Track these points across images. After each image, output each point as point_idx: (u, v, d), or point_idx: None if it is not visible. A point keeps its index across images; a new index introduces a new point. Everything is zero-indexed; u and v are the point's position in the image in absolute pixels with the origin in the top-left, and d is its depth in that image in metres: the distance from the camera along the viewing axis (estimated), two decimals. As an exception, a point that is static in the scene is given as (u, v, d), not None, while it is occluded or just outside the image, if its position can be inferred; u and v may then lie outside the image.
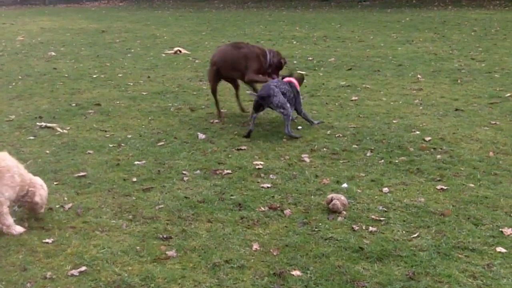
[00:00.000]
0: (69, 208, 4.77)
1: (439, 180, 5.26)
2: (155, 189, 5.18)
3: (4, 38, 16.04)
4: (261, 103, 6.58)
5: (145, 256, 3.99)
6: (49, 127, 7.13)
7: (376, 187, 5.14)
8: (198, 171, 5.59)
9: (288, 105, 6.56)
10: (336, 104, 8.07)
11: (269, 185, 5.19)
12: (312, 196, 4.96)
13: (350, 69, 10.59)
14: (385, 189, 5.08)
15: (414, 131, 6.68)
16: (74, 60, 12.36)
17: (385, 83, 9.31)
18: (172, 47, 13.59)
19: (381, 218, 4.52)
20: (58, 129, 7.05)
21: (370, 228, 4.35)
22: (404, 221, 4.47)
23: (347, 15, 21.04)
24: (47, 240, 4.20)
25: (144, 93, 8.98)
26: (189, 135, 6.75)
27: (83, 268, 3.81)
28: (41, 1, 30.01)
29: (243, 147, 6.25)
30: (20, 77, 10.35)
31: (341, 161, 5.81)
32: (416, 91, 8.67)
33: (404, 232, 4.30)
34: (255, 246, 4.11)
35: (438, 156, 5.85)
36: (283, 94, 6.57)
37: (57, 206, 4.81)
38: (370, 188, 5.12)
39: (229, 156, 5.99)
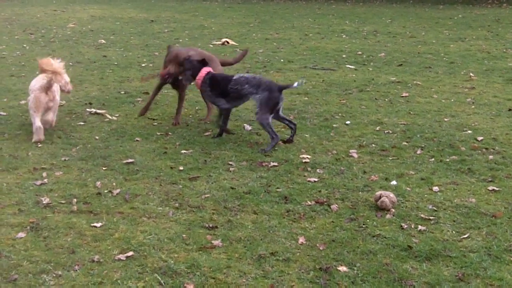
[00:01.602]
0: (117, 194, 4.82)
1: (490, 181, 5.11)
2: (201, 178, 5.19)
3: (56, 25, 16.35)
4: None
5: (191, 244, 3.99)
6: (98, 114, 7.22)
7: (426, 186, 5.04)
8: (244, 162, 5.57)
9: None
10: (386, 100, 7.94)
11: (315, 179, 5.13)
12: (360, 192, 4.89)
13: (401, 65, 10.40)
14: (435, 188, 4.97)
15: (465, 130, 6.51)
16: (123, 48, 12.51)
17: (437, 81, 9.11)
18: (220, 38, 13.61)
19: (431, 217, 4.42)
20: (107, 115, 7.14)
21: (419, 227, 4.27)
22: (454, 221, 4.36)
23: (398, 10, 20.70)
24: (95, 224, 4.26)
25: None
26: (235, 126, 6.73)
27: (130, 253, 3.84)
28: (92, -10, 30.44)
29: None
30: (70, 63, 10.52)
31: (390, 158, 5.70)
32: (468, 90, 8.46)
33: (454, 232, 4.20)
34: (301, 240, 4.07)
35: (490, 157, 5.69)
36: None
37: (105, 191, 4.87)
38: (420, 187, 5.02)
39: (275, 148, 5.95)
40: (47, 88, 6.17)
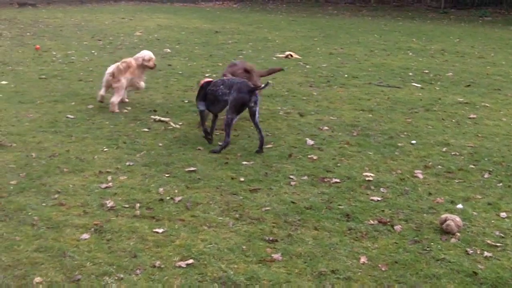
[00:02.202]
0: (179, 201, 4.86)
1: (562, 210, 4.89)
2: (262, 190, 5.17)
3: (123, 33, 16.76)
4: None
5: (250, 256, 3.97)
6: (162, 121, 7.33)
7: (493, 211, 4.87)
8: (305, 177, 5.53)
9: None
10: (453, 120, 7.73)
11: (379, 198, 5.03)
12: (425, 214, 4.76)
13: (469, 85, 10.13)
14: (503, 214, 4.80)
15: (536, 156, 6.27)
16: (187, 58, 12.69)
17: (506, 103, 8.82)
18: (283, 51, 13.62)
19: (498, 244, 4.27)
20: (171, 123, 7.24)
21: (485, 253, 4.12)
22: (522, 249, 4.19)
23: (466, 29, 20.24)
24: (157, 230, 4.30)
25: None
26: (297, 140, 6.70)
27: (190, 261, 3.86)
28: (159, -1, 31.17)
29: (353, 157, 6.11)
30: (137, 70, 10.75)
31: (456, 181, 5.54)
32: (539, 114, 8.16)
33: (521, 261, 4.03)
34: (363, 259, 3.99)
35: None
36: None
37: (167, 198, 4.92)
38: (487, 212, 4.85)
39: (338, 165, 5.88)
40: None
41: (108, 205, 4.70)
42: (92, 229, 4.30)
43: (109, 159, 5.89)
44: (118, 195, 4.96)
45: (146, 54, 8.14)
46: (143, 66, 8.11)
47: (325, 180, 5.46)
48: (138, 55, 8.19)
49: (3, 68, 10.68)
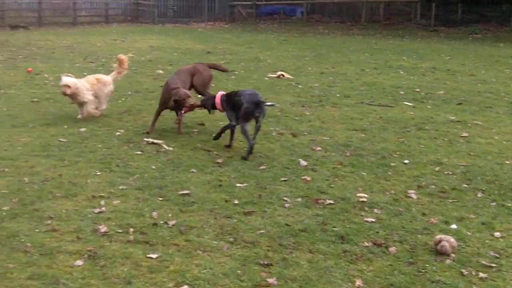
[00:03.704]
0: (173, 225, 4.84)
1: (556, 229, 4.90)
2: (256, 213, 5.16)
3: (115, 54, 16.71)
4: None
5: (245, 281, 3.95)
6: (155, 143, 7.32)
7: (487, 231, 4.88)
8: (299, 199, 5.52)
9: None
10: (445, 139, 7.77)
11: (373, 220, 5.03)
12: (419, 235, 4.76)
13: (460, 103, 10.20)
14: (497, 234, 4.81)
15: (528, 174, 6.30)
16: (180, 79, 12.69)
17: (497, 121, 8.88)
18: (275, 71, 13.68)
19: (492, 265, 4.27)
20: (164, 146, 7.23)
21: (480, 274, 4.13)
22: (517, 270, 4.20)
23: (457, 47, 20.43)
24: (151, 255, 4.27)
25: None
26: (290, 161, 6.70)
27: (185, 287, 3.83)
28: (150, 20, 31.33)
29: (346, 178, 6.12)
30: (129, 92, 10.76)
31: (450, 200, 5.55)
32: (530, 131, 8.21)
33: (517, 282, 4.03)
34: (358, 282, 3.98)
35: (556, 203, 5.47)
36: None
37: (161, 222, 4.89)
38: (481, 232, 4.86)
39: (332, 186, 5.89)
40: None
41: (102, 231, 4.67)
42: (86, 255, 4.27)
43: (102, 183, 5.86)
44: (111, 219, 4.93)
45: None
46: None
47: (319, 201, 5.46)
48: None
49: (-5, 91, 10.66)
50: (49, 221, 4.88)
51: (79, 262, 4.16)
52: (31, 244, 4.44)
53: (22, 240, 4.52)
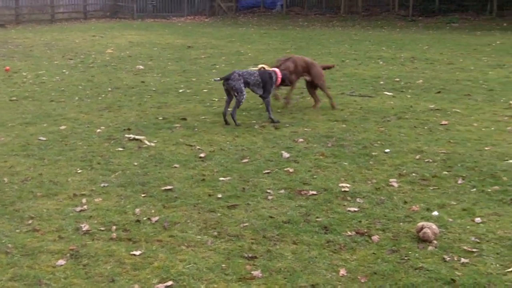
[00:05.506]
0: (156, 221, 4.82)
1: (536, 213, 4.97)
2: (239, 206, 5.16)
3: (94, 51, 16.68)
4: (224, 84, 7.97)
5: (230, 275, 3.96)
6: (137, 140, 7.28)
7: (468, 217, 4.92)
8: (282, 191, 5.53)
9: (244, 93, 7.91)
10: (425, 128, 7.83)
11: (356, 209, 5.06)
12: (401, 223, 4.80)
13: (439, 92, 10.27)
14: (478, 219, 4.86)
15: (507, 160, 6.36)
16: (161, 74, 12.67)
17: (476, 108, 8.96)
18: (256, 64, 13.62)
19: (474, 250, 4.32)
20: (146, 141, 7.19)
21: (462, 260, 4.17)
22: (497, 254, 4.26)
23: (435, 36, 20.55)
24: (134, 252, 4.26)
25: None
26: (273, 153, 6.71)
27: (170, 283, 3.82)
28: (129, 15, 31.09)
29: (329, 168, 6.14)
30: (109, 89, 10.70)
31: (431, 188, 5.60)
32: (508, 118, 8.30)
33: (498, 265, 4.09)
34: (342, 271, 4.00)
35: (535, 187, 5.54)
36: (246, 83, 7.91)
37: (144, 219, 4.87)
38: (462, 218, 4.91)
39: (314, 177, 5.90)
40: None
41: (84, 229, 4.64)
42: (68, 254, 4.24)
43: (83, 181, 5.82)
44: (93, 218, 4.90)
45: None
46: None
47: (302, 192, 5.47)
48: None
49: (-27, 91, 10.53)
50: (30, 221, 4.84)
51: (62, 262, 4.13)
52: (12, 245, 4.40)
53: (3, 241, 4.48)
